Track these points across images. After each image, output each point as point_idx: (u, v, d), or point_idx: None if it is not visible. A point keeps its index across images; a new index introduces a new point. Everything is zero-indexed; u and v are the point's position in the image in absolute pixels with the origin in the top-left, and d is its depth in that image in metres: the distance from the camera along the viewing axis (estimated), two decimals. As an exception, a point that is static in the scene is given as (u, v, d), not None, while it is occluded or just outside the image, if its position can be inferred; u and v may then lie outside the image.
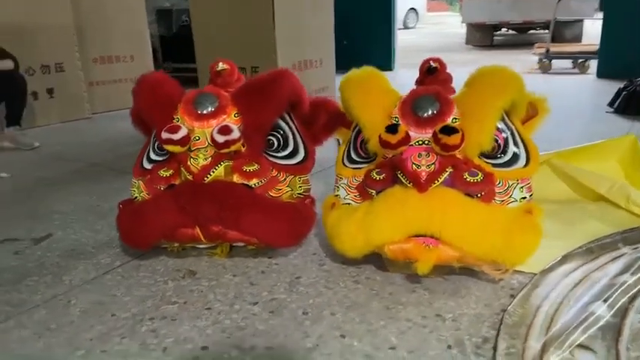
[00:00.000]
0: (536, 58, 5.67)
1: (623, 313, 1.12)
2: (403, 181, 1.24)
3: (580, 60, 5.24)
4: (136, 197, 1.49)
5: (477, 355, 1.03)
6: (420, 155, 1.25)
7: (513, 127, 1.38)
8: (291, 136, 1.52)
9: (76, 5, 3.69)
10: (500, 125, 1.33)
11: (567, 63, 5.54)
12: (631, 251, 1.42)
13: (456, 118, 1.29)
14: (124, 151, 2.80)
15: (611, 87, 3.74)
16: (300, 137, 1.55)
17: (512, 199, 1.30)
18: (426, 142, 1.28)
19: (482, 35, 9.26)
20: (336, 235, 1.32)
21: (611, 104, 3.30)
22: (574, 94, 4.22)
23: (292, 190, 1.47)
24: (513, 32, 10.36)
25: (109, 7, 4.05)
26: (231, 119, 1.41)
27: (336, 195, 1.44)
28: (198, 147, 1.39)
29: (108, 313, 1.23)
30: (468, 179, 1.24)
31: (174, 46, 5.45)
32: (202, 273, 1.41)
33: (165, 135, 1.34)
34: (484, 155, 1.31)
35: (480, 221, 1.20)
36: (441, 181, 1.23)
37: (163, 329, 1.15)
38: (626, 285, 1.21)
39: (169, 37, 5.67)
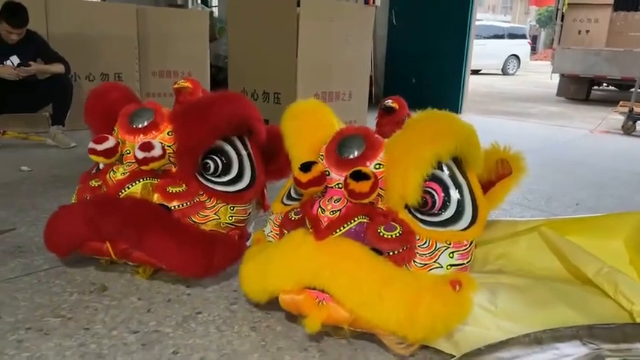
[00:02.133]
0: (621, 117, 5.14)
1: None
2: (307, 224, 1.11)
3: (671, 123, 4.66)
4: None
5: None
6: (330, 199, 1.12)
7: (464, 183, 1.20)
8: (236, 163, 1.44)
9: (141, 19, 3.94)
10: (444, 178, 1.16)
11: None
12: (594, 351, 1.16)
13: (379, 164, 1.14)
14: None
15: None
16: (251, 166, 1.46)
17: (437, 265, 1.12)
18: (346, 185, 1.14)
19: (577, 88, 8.62)
20: (241, 274, 1.21)
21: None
22: None
23: (219, 218, 1.38)
24: (614, 88, 9.56)
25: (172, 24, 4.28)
26: (164, 136, 1.37)
27: (263, 230, 1.34)
28: (129, 161, 1.36)
29: (-5, 313, 1.21)
30: (381, 233, 1.09)
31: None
32: (112, 290, 1.35)
33: (90, 145, 1.32)
34: (418, 210, 1.14)
35: (378, 283, 1.03)
36: (343, 231, 1.08)
37: (29, 342, 1.11)
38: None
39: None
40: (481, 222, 1.17)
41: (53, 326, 1.17)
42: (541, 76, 14.17)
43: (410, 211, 1.13)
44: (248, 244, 1.41)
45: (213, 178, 1.39)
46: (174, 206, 1.32)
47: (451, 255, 1.12)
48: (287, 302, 1.11)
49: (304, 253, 1.06)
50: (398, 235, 1.08)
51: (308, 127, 1.26)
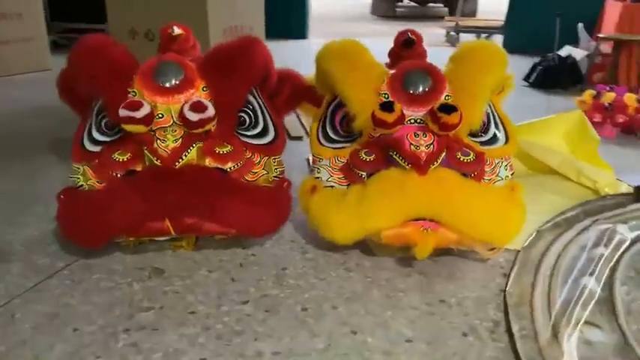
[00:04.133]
0: (443, 31, 5.88)
1: (610, 287, 1.17)
2: (400, 162, 1.17)
3: (484, 35, 5.51)
4: (82, 185, 1.26)
5: (494, 340, 1.01)
6: (416, 135, 1.18)
7: (492, 105, 1.37)
8: (260, 113, 1.37)
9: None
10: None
11: (470, 37, 5.81)
12: (591, 223, 1.49)
13: (448, 95, 1.23)
14: (32, 125, 2.42)
15: (520, 61, 3.98)
16: (269, 114, 1.41)
17: (499, 178, 1.29)
18: (418, 120, 1.22)
19: (387, 6, 9.42)
20: (324, 222, 1.22)
21: (526, 78, 3.50)
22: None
23: (268, 173, 1.33)
24: (414, 4, 10.67)
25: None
26: (200, 93, 1.23)
27: (317, 177, 1.33)
28: (162, 126, 1.19)
29: (68, 327, 1.03)
30: (461, 159, 1.21)
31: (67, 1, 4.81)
32: (171, 271, 1.24)
33: (124, 112, 1.13)
34: (471, 134, 1.28)
35: (478, 202, 1.17)
36: (439, 162, 1.17)
37: (145, 342, 0.99)
38: (604, 258, 1.27)
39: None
40: (513, 136, 1.37)
41: (153, 319, 1.06)
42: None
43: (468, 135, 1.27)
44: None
45: (247, 133, 1.32)
46: (230, 168, 1.23)
47: (506, 167, 1.31)
48: (391, 237, 1.18)
49: (411, 188, 1.13)
50: (473, 158, 1.22)
51: (362, 66, 1.27)
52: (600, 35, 3.53)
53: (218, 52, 1.28)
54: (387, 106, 1.17)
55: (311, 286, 1.18)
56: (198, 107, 1.15)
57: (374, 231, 1.18)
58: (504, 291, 1.15)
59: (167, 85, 1.20)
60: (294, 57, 3.19)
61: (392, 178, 1.16)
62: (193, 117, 1.15)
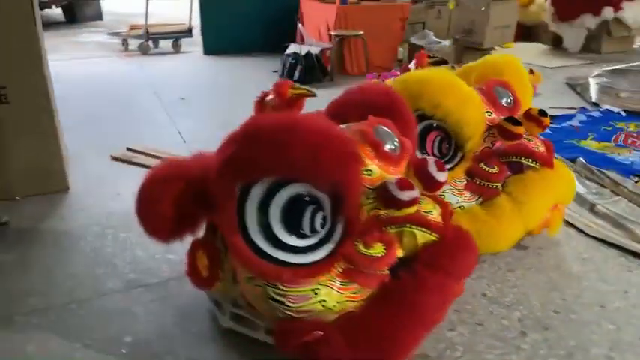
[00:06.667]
0: (106, 38, 5.51)
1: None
2: (531, 164, 1.45)
3: (171, 39, 5.50)
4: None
5: None
6: (529, 140, 1.48)
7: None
8: None
9: None
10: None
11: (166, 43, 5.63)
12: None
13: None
14: None
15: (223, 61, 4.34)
16: None
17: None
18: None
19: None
20: (492, 235, 1.40)
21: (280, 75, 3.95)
22: (229, 70, 4.67)
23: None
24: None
25: None
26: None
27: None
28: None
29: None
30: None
31: None
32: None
33: (407, 195, 0.99)
34: None
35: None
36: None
37: None
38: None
39: None
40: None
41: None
42: None
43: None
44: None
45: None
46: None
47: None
48: (540, 225, 1.49)
49: (554, 181, 1.44)
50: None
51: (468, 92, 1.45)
52: (332, 33, 4.23)
53: (391, 104, 1.21)
54: (516, 122, 1.42)
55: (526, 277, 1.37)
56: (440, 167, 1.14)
57: (534, 226, 1.45)
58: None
59: (393, 152, 1.09)
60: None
61: (535, 179, 1.43)
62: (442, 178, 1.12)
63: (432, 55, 3.19)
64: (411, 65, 3.24)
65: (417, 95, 1.43)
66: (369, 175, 1.07)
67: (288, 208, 1.01)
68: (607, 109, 3.07)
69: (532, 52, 5.09)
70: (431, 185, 1.12)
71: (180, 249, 1.35)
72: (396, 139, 1.13)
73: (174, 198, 1.10)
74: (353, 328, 1.01)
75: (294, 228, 1.01)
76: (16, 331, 1.27)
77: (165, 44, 5.59)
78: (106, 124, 2.95)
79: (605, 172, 2.12)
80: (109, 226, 1.77)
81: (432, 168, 1.12)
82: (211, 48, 5.33)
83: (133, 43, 5.47)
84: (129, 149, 2.57)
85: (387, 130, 1.13)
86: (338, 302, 1.01)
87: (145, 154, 2.49)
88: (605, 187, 2.01)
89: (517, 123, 1.43)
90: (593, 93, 3.38)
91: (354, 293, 1.02)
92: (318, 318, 1.02)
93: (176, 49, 5.57)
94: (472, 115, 1.45)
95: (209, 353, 1.19)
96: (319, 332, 0.99)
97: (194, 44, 5.61)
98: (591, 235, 1.66)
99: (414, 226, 1.04)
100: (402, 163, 1.13)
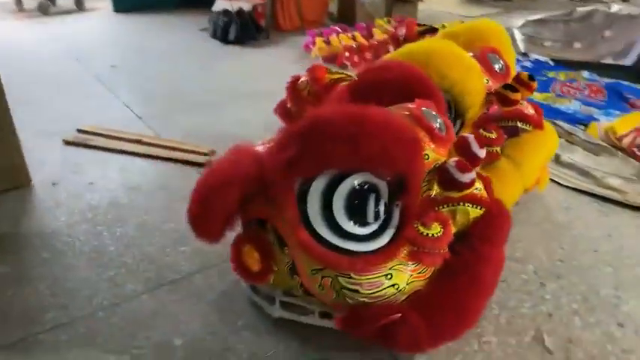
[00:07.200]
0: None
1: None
2: (525, 127, 1.56)
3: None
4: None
5: None
6: (521, 104, 1.59)
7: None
8: None
9: None
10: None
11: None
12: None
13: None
14: None
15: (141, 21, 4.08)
16: None
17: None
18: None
19: None
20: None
21: (222, 39, 3.72)
22: (151, 31, 4.32)
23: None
24: None
25: None
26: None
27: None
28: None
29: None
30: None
31: None
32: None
33: (467, 177, 1.05)
34: None
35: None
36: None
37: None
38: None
39: None
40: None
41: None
42: None
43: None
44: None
45: None
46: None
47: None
48: (535, 183, 1.62)
49: (547, 141, 1.58)
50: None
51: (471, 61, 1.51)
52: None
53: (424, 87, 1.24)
54: (513, 88, 1.51)
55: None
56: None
57: (531, 184, 1.57)
58: None
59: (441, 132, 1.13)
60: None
61: (529, 141, 1.54)
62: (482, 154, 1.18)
63: (420, 24, 3.23)
64: (400, 33, 3.25)
65: (423, 67, 1.46)
66: (427, 159, 1.11)
67: (352, 197, 1.03)
68: (537, 59, 3.32)
69: (451, 2, 5.29)
70: (473, 162, 1.18)
71: (190, 240, 1.31)
72: (441, 120, 1.17)
73: (229, 204, 1.08)
74: (425, 305, 1.07)
75: (357, 217, 1.04)
76: (47, 351, 1.16)
77: (65, 1, 5.02)
78: (39, 106, 2.63)
79: (557, 122, 2.34)
80: (98, 221, 1.64)
81: (474, 145, 1.17)
82: (122, 4, 4.87)
83: (28, 2, 4.84)
84: (79, 130, 2.34)
85: (432, 112, 1.16)
86: (407, 284, 1.06)
87: (101, 135, 2.29)
88: (560, 137, 2.22)
89: (514, 90, 1.53)
90: (521, 43, 3.63)
91: (420, 273, 1.08)
92: (390, 301, 1.07)
93: (80, 6, 5.02)
94: (475, 84, 1.52)
95: (269, 345, 1.18)
96: (397, 314, 1.04)
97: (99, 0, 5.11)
98: (565, 185, 1.86)
99: (467, 204, 1.11)
100: (449, 144, 1.17)
